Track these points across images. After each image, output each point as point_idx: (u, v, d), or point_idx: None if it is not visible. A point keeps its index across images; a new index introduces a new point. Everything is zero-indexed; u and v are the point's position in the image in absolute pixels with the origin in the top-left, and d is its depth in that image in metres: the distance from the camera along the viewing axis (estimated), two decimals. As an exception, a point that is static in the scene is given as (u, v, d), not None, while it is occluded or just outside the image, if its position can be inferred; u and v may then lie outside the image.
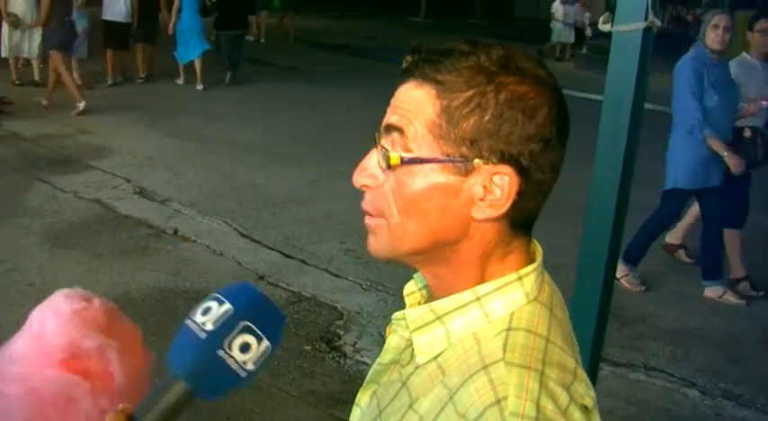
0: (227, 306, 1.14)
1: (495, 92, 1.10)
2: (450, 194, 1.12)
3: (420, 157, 1.12)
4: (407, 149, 1.12)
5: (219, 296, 1.17)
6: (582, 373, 1.12)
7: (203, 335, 1.13)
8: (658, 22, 3.74)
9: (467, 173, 1.11)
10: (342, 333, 5.17)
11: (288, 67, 16.90)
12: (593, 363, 4.01)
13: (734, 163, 5.83)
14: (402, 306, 1.32)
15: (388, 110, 1.18)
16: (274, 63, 17.11)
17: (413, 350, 1.20)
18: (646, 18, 3.64)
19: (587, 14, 23.33)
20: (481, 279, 1.17)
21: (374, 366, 1.33)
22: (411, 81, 1.15)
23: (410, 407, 1.15)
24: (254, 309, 1.17)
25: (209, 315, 1.14)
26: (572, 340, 1.19)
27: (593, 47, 22.09)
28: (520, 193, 1.12)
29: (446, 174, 1.12)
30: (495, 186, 1.11)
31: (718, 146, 5.84)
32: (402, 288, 4.80)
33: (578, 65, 22.03)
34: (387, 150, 1.14)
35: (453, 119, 1.10)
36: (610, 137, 3.71)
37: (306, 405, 4.38)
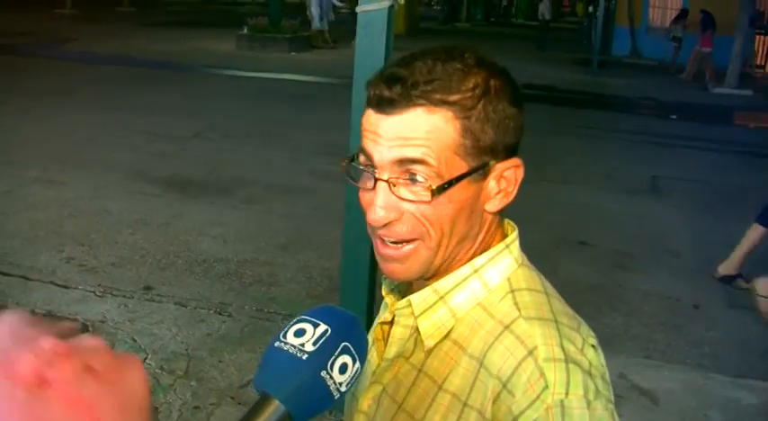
0: (324, 326, 1.10)
1: (495, 96, 1.18)
2: (475, 199, 1.20)
3: (455, 178, 1.16)
4: (438, 174, 1.15)
5: (310, 318, 1.12)
6: (580, 318, 1.23)
7: (305, 356, 1.08)
8: (401, 0, 3.91)
9: (485, 176, 1.20)
10: (92, 345, 4.92)
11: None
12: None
13: None
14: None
15: (387, 143, 1.16)
16: None
17: (416, 338, 1.26)
18: (389, -4, 3.81)
19: None
20: (473, 256, 1.26)
21: (374, 364, 1.34)
22: (413, 109, 1.14)
23: (439, 388, 1.20)
24: (349, 328, 1.13)
25: (304, 336, 1.10)
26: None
27: (253, 26, 22.25)
28: None
29: (472, 184, 1.19)
30: (504, 179, 1.23)
31: None
32: (134, 289, 4.77)
33: (240, 45, 22.16)
34: (421, 182, 1.15)
35: (475, 134, 1.16)
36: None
37: (82, 426, 4.14)
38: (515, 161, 1.23)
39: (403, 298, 1.32)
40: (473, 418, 1.14)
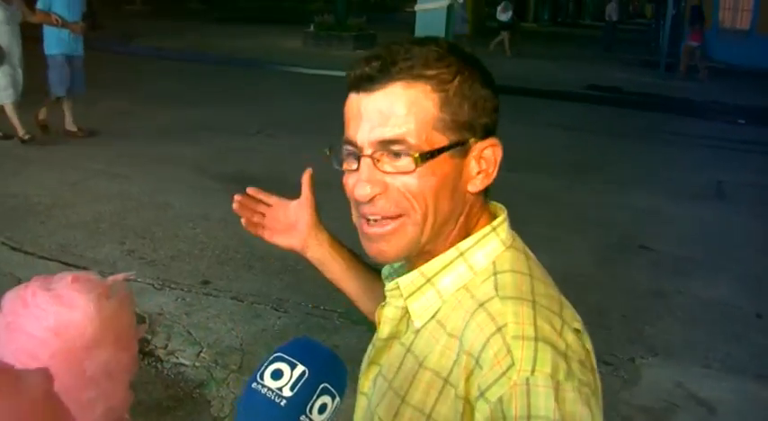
0: (302, 368, 1.11)
1: (469, 76, 1.24)
2: (457, 177, 1.24)
3: (437, 149, 1.20)
4: (419, 150, 1.19)
5: (287, 357, 1.13)
6: (567, 302, 1.24)
7: (283, 402, 1.09)
8: (460, 0, 3.91)
9: (466, 154, 1.24)
10: (150, 337, 4.96)
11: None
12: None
13: None
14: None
15: (369, 123, 1.21)
16: None
17: (408, 318, 1.30)
18: (448, -4, 3.81)
19: None
20: (456, 238, 1.29)
21: (372, 344, 1.39)
22: (393, 84, 1.20)
23: (420, 365, 1.24)
24: (326, 367, 1.15)
25: (282, 379, 1.10)
26: (550, 278, 1.29)
27: (319, 24, 22.39)
28: None
29: (453, 160, 1.23)
30: (484, 159, 1.27)
31: None
32: (192, 283, 4.82)
33: (306, 42, 22.31)
34: (404, 156, 1.20)
35: (452, 108, 1.21)
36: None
37: (136, 417, 4.19)
38: (493, 140, 1.26)
39: None
40: (452, 395, 1.17)
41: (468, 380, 1.14)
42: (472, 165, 1.25)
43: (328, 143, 1.32)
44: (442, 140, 1.20)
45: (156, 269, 6.04)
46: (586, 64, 22.94)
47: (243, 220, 1.66)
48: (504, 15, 24.55)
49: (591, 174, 10.08)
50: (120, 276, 1.65)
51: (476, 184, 1.26)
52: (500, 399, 1.08)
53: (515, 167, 9.94)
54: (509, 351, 1.10)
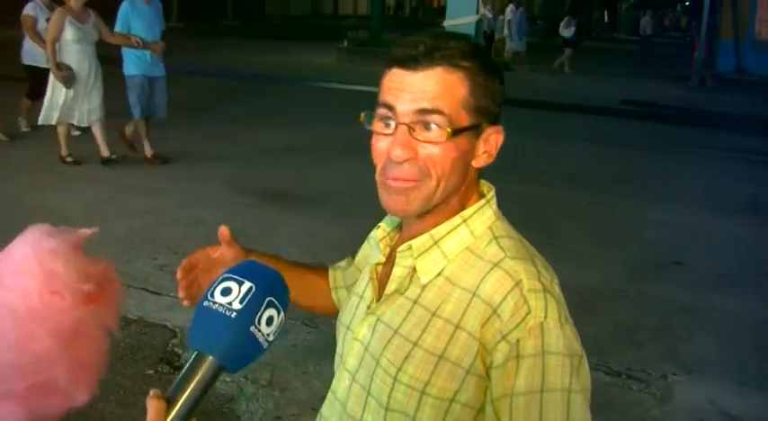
0: (249, 284, 1.20)
1: (491, 73, 1.47)
2: (469, 153, 1.48)
3: (465, 127, 1.44)
4: (450, 124, 1.41)
5: (234, 276, 1.22)
6: (545, 261, 1.50)
7: (234, 315, 1.17)
8: (489, 14, 3.90)
9: (478, 135, 1.48)
10: (180, 351, 5.00)
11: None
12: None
13: None
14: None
15: (410, 95, 1.42)
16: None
17: (412, 276, 1.52)
18: (477, 11, 3.81)
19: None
20: (461, 208, 1.53)
21: (359, 297, 1.63)
22: (434, 68, 1.42)
23: (433, 315, 1.45)
24: (271, 283, 1.24)
25: (231, 295, 1.19)
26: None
27: (353, 40, 22.45)
28: None
29: (470, 139, 1.46)
30: (489, 142, 1.50)
31: None
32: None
33: (340, 58, 22.37)
34: (435, 129, 1.41)
35: (477, 96, 1.44)
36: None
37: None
38: (499, 128, 1.51)
39: (394, 243, 1.61)
40: (463, 337, 1.40)
41: (484, 326, 1.38)
42: (480, 145, 1.49)
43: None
44: (466, 120, 1.44)
45: (187, 284, 6.05)
46: (620, 78, 22.85)
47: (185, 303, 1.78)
48: (567, 31, 24.24)
49: (624, 188, 10.02)
50: (86, 230, 1.80)
51: (479, 162, 1.50)
52: (518, 341, 1.35)
53: (548, 182, 9.95)
54: (526, 301, 1.37)
